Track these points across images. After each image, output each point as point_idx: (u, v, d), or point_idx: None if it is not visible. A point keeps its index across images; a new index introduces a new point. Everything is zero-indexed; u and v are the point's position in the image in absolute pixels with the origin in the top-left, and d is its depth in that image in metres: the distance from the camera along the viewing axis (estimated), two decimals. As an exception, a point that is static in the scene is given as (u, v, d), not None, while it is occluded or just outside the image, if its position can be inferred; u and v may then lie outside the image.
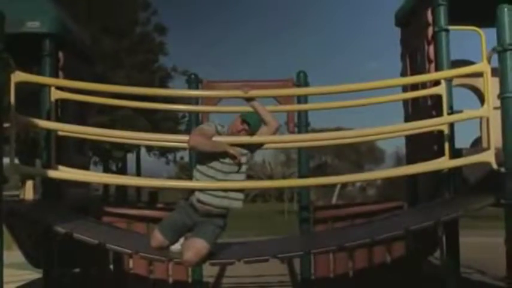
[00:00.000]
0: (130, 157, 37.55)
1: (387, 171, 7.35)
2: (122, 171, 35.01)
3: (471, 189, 6.30)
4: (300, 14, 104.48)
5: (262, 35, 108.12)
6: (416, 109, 7.63)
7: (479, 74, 5.98)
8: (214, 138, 5.57)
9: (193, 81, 8.14)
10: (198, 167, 5.70)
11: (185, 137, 5.86)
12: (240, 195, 5.68)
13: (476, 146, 7.36)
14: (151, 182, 6.89)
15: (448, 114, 6.39)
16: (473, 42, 6.45)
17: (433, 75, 6.65)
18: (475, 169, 6.19)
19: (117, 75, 29.16)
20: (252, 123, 5.61)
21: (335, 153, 45.99)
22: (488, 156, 5.69)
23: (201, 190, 5.58)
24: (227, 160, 5.55)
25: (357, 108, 6.92)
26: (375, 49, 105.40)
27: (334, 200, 31.21)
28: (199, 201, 5.58)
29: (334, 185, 30.37)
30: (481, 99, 7.19)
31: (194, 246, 5.48)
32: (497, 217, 6.80)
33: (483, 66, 5.79)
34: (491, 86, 5.75)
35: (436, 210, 6.20)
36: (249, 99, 5.74)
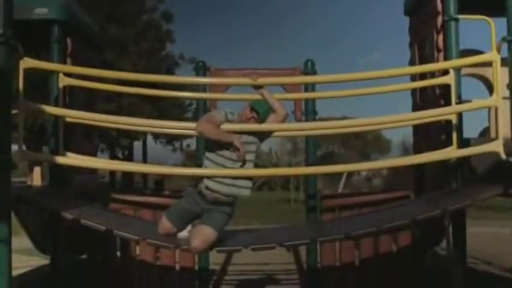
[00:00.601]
0: (137, 145, 37.63)
1: (394, 160, 7.35)
2: (129, 158, 35.09)
3: (479, 180, 6.29)
4: (305, 2, 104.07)
5: (270, 22, 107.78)
6: (424, 98, 7.60)
7: (488, 64, 5.96)
8: (223, 126, 5.57)
9: (201, 69, 8.13)
10: (208, 154, 5.71)
11: (192, 124, 5.86)
12: (249, 183, 5.68)
13: (484, 136, 7.34)
14: (159, 169, 6.89)
15: (457, 103, 6.36)
16: (478, 32, 6.43)
17: (442, 65, 6.62)
18: (482, 159, 6.17)
19: (123, 63, 29.13)
20: (261, 111, 5.60)
21: (341, 142, 45.95)
22: (497, 146, 5.66)
23: (210, 177, 5.59)
24: (236, 148, 5.56)
25: (364, 98, 6.90)
26: (380, 39, 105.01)
27: (340, 189, 31.22)
28: (207, 188, 5.59)
29: (340, 174, 30.36)
30: (490, 88, 7.17)
31: (202, 234, 5.49)
32: (505, 208, 6.80)
33: (493, 55, 5.75)
34: (500, 76, 5.72)
35: (443, 200, 6.19)
36: (257, 87, 5.74)
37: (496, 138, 5.80)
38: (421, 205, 6.56)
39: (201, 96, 7.81)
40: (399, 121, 6.42)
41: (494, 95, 5.78)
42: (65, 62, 7.13)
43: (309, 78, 7.71)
